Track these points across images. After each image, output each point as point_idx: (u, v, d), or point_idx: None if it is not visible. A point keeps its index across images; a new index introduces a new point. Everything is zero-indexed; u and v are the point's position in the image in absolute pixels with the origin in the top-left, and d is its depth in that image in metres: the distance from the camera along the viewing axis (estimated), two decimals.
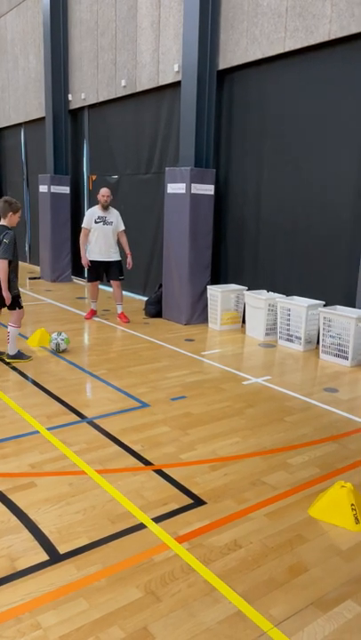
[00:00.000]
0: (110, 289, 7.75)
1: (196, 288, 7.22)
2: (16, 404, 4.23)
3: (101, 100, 9.38)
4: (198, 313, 7.30)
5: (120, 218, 7.20)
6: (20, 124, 12.53)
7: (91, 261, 7.16)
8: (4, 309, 5.31)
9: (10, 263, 4.98)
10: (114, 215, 7.13)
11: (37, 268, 11.51)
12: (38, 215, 11.01)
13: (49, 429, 3.79)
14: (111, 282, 7.34)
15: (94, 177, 10.12)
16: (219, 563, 2.43)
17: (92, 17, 9.28)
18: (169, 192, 7.19)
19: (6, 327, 5.37)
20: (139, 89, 8.42)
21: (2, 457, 3.35)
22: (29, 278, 10.83)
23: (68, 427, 3.87)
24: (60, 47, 9.99)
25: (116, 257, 7.18)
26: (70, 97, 10.22)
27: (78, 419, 4.03)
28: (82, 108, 10.14)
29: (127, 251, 7.16)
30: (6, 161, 13.73)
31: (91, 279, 7.43)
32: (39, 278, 10.87)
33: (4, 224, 5.06)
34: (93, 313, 7.48)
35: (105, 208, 7.06)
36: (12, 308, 5.20)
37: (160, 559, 2.44)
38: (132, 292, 9.17)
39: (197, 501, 2.93)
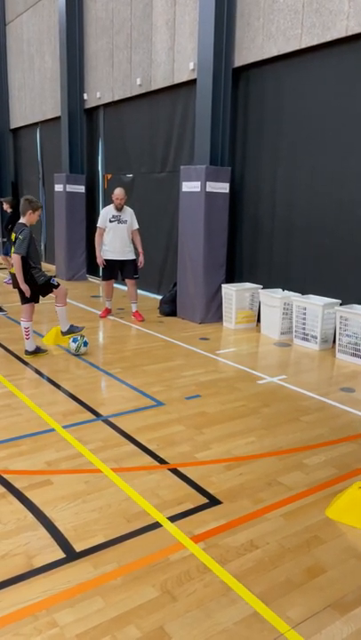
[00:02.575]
0: (125, 287, 7.76)
1: (211, 287, 7.20)
2: (32, 402, 4.26)
3: (117, 98, 9.40)
4: (213, 311, 7.28)
5: (134, 216, 7.20)
6: (35, 124, 12.61)
7: (106, 260, 7.18)
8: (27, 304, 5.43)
9: (24, 259, 5.15)
10: (128, 214, 7.14)
11: (53, 267, 11.57)
12: (54, 214, 11.08)
13: (65, 427, 3.80)
14: (126, 280, 7.35)
15: (109, 176, 10.14)
16: (235, 563, 2.42)
17: (108, 15, 9.30)
18: (184, 190, 7.18)
19: (19, 323, 5.44)
20: (154, 87, 8.41)
21: (18, 454, 3.37)
22: None
23: (84, 425, 3.88)
24: (76, 46, 10.03)
25: (130, 256, 7.19)
26: (86, 96, 10.25)
27: (94, 417, 4.04)
28: (97, 107, 10.16)
29: (140, 249, 7.18)
30: (22, 160, 13.83)
31: (105, 278, 7.45)
32: (55, 277, 10.92)
33: (23, 222, 5.27)
34: (108, 311, 7.50)
35: (120, 209, 7.09)
36: (48, 292, 5.47)
37: (176, 558, 2.43)
38: (147, 290, 9.17)
39: (213, 501, 2.92)
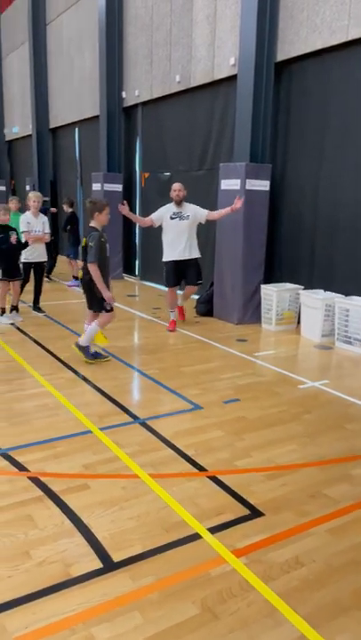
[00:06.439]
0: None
1: (249, 287, 7.05)
2: (69, 402, 4.22)
3: (155, 96, 9.33)
4: (251, 312, 7.12)
5: (198, 208, 6.53)
6: (74, 123, 12.68)
7: (169, 262, 6.59)
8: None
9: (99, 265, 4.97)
10: (190, 209, 6.49)
11: None
12: None
13: (101, 429, 3.74)
14: (187, 287, 6.80)
15: (147, 174, 10.09)
16: (280, 581, 2.29)
17: (147, 12, 9.23)
18: (223, 188, 7.04)
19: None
20: (193, 84, 8.30)
21: (55, 456, 3.33)
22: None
23: (121, 427, 3.81)
24: (115, 44, 10.01)
25: (195, 254, 6.58)
26: (124, 94, 10.23)
27: (130, 419, 3.97)
28: (135, 106, 10.12)
29: (228, 209, 6.31)
30: (61, 160, 13.95)
31: (170, 284, 6.69)
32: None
33: (93, 225, 5.08)
34: (175, 323, 6.81)
35: (178, 203, 6.48)
36: (98, 310, 5.16)
37: (217, 574, 2.32)
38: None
39: (254, 512, 2.79)
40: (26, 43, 14.25)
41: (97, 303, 5.19)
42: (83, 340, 5.27)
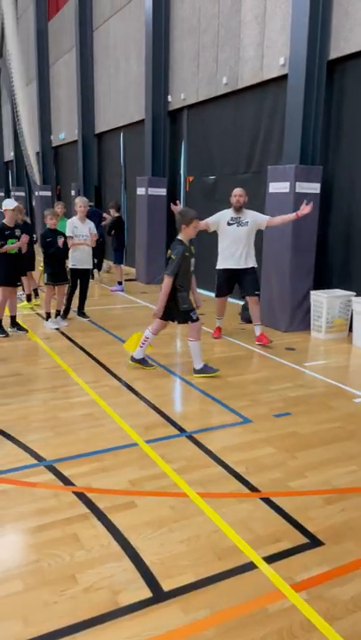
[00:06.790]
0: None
1: (298, 293, 6.80)
2: (114, 412, 4.12)
3: (201, 99, 9.20)
4: (299, 320, 6.87)
5: (258, 214, 6.15)
6: (119, 128, 12.71)
7: (222, 270, 6.26)
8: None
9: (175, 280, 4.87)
10: (249, 215, 6.08)
11: (133, 270, 11.60)
12: (135, 217, 11.09)
13: (147, 442, 3.61)
14: (247, 298, 6.30)
15: (191, 178, 9.97)
16: (345, 622, 2.09)
17: (194, 14, 9.12)
18: (271, 191, 6.83)
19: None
20: (240, 85, 8.13)
21: (101, 470, 3.22)
22: (125, 280, 10.93)
23: (167, 440, 3.68)
24: (162, 48, 9.95)
25: (251, 263, 6.14)
26: (170, 98, 10.15)
27: (177, 432, 3.82)
28: (181, 109, 10.03)
29: (292, 216, 5.94)
30: (105, 165, 14.03)
31: (220, 294, 6.41)
32: (134, 280, 10.93)
33: (180, 238, 4.95)
34: (221, 330, 6.62)
35: (238, 209, 6.10)
36: (184, 321, 5.02)
37: (275, 610, 2.14)
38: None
39: (313, 541, 2.59)
40: (73, 49, 14.43)
41: (180, 315, 4.97)
42: (195, 363, 5.05)
